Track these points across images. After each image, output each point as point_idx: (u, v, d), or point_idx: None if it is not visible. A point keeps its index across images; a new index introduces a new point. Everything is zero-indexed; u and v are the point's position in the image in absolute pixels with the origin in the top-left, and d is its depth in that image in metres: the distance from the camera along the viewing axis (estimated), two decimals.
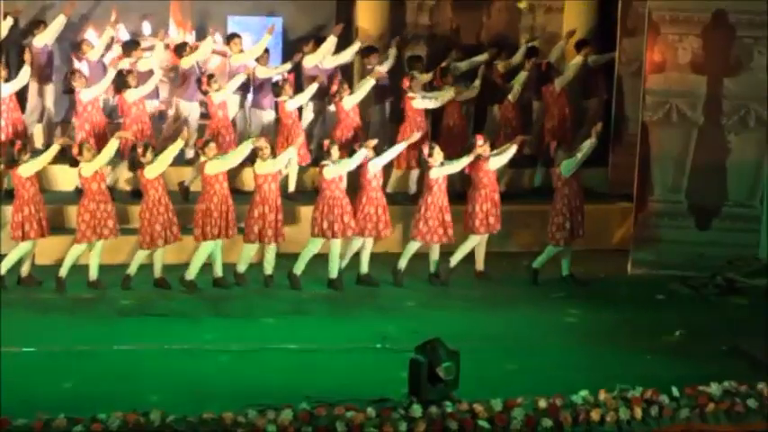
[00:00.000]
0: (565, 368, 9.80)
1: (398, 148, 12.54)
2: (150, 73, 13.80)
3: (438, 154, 12.06)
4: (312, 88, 13.65)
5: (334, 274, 12.19)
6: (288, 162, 12.70)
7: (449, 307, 11.73)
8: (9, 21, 14.18)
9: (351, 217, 12.01)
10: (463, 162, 12.14)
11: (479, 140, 12.29)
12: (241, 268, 12.21)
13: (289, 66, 14.24)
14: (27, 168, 11.69)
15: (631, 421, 8.18)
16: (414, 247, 12.35)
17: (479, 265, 12.69)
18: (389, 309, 11.69)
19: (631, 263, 13.32)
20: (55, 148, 12.08)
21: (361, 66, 14.98)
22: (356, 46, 14.65)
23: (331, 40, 14.33)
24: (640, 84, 13.57)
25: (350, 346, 10.32)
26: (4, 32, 14.17)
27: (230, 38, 14.52)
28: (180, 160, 12.98)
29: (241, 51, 14.27)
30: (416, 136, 12.75)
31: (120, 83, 13.37)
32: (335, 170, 11.90)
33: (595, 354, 10.34)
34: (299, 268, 12.14)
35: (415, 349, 8.23)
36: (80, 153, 11.70)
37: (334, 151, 12.00)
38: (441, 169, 12.07)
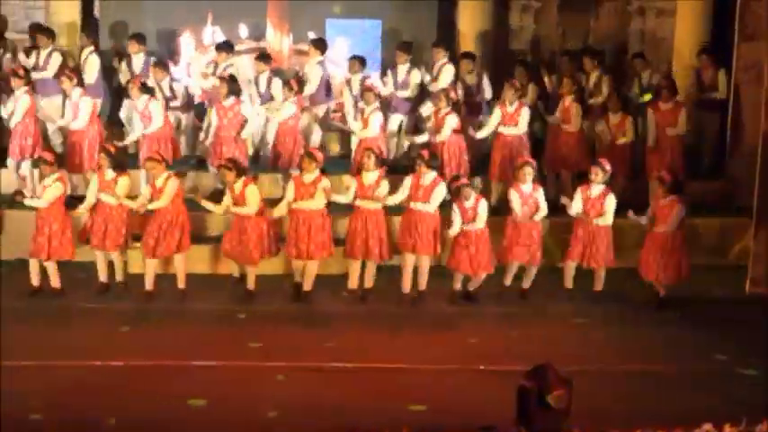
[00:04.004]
0: (680, 395, 9.33)
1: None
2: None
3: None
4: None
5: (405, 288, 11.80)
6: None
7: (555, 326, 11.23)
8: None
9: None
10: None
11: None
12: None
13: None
14: None
15: None
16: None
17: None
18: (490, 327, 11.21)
19: (750, 281, 12.49)
20: None
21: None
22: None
23: None
24: (760, 91, 12.74)
25: (450, 366, 9.84)
26: None
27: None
28: None
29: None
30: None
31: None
32: None
33: (712, 379, 9.75)
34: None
35: (524, 375, 7.58)
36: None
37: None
38: None
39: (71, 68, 13.37)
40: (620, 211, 11.92)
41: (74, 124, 12.83)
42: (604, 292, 12.03)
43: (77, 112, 12.80)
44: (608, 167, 11.85)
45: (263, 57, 13.89)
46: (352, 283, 11.82)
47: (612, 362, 10.11)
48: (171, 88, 13.82)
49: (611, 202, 11.79)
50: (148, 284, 11.59)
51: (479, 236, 11.59)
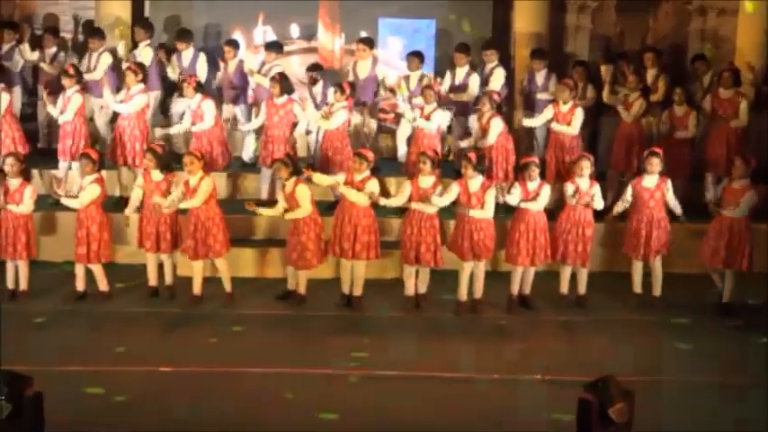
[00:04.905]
0: (745, 407, 8.92)
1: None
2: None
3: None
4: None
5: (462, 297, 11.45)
6: None
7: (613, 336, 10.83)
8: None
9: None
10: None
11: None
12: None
13: None
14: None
15: None
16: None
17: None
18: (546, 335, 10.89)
19: None
20: None
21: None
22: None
23: None
24: None
25: (506, 376, 9.55)
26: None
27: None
28: None
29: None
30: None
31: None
32: None
33: None
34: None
35: (584, 387, 7.28)
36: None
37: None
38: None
39: (136, 63, 13.16)
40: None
41: (119, 107, 12.63)
42: (663, 298, 11.65)
43: (129, 101, 12.65)
44: (661, 155, 11.45)
45: (315, 67, 13.66)
46: (409, 290, 11.56)
47: (676, 372, 9.76)
48: (241, 76, 13.78)
49: (668, 191, 11.47)
50: (196, 289, 11.43)
51: (537, 221, 11.34)
